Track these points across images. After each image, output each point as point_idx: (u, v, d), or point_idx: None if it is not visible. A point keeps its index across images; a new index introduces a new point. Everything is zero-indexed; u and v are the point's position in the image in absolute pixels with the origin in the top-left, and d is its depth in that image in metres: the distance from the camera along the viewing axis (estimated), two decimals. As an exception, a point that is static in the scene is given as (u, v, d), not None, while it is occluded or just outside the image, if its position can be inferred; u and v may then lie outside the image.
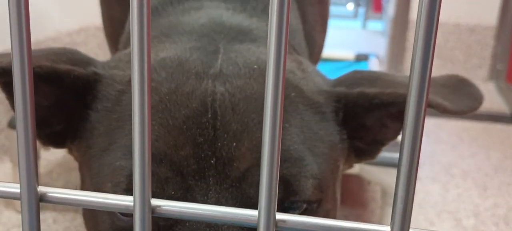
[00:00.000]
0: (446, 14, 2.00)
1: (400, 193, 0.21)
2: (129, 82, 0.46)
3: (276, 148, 0.20)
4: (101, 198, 0.20)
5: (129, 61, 0.50)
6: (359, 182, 1.10)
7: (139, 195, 0.19)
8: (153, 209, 0.20)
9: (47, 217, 0.96)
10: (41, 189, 0.20)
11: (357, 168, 0.78)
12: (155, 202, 0.20)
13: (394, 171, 0.77)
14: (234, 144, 0.40)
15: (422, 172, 1.21)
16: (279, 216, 0.20)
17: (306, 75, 0.50)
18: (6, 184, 0.21)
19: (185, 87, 0.43)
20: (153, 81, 0.44)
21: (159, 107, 0.41)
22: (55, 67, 0.46)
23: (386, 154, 0.79)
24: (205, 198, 0.39)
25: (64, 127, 0.50)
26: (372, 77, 0.51)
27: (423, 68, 0.20)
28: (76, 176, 1.11)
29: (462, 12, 2.05)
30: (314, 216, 0.45)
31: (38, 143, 1.09)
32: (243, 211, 0.20)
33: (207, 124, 0.40)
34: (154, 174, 0.39)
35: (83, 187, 0.52)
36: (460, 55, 2.08)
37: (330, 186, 0.47)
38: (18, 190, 0.20)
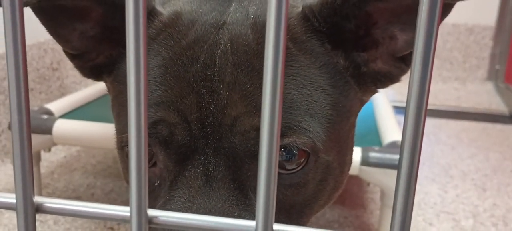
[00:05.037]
0: (445, 14, 1.99)
1: (400, 198, 0.21)
2: (165, 24, 0.48)
3: (274, 158, 0.20)
4: (98, 209, 0.20)
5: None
6: (358, 183, 1.10)
7: (136, 206, 0.19)
8: (150, 220, 0.20)
9: (47, 218, 0.96)
10: (37, 199, 0.20)
11: (357, 169, 0.78)
12: (151, 212, 0.20)
13: (393, 173, 0.77)
14: (227, 93, 0.43)
15: (421, 172, 1.21)
16: (277, 226, 0.20)
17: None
18: (1, 194, 0.21)
19: (200, 41, 0.45)
20: (173, 35, 0.47)
21: (178, 61, 0.45)
22: None
23: (386, 155, 0.79)
24: (205, 148, 0.43)
25: (104, 61, 0.52)
26: None
27: (423, 71, 0.20)
28: (77, 177, 1.11)
29: (460, 13, 2.05)
30: (313, 170, 0.44)
31: (38, 146, 1.06)
32: (240, 221, 0.20)
33: (212, 75, 0.44)
34: (164, 119, 0.43)
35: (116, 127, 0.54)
36: (459, 55, 2.08)
37: (333, 134, 0.46)
38: (14, 200, 0.20)
